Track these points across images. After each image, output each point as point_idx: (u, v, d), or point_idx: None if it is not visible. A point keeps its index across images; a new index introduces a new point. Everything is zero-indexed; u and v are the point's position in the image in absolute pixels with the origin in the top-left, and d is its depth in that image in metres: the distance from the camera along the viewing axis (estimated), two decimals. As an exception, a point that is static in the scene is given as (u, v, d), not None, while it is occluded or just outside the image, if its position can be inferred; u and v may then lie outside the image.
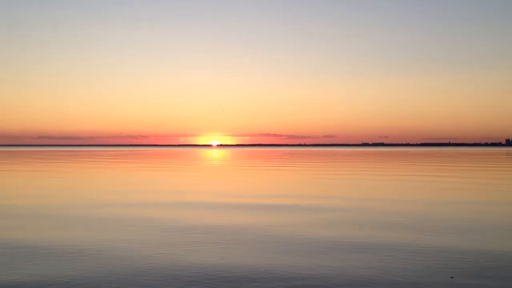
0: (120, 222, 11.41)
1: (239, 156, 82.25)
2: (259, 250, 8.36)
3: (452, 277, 6.75)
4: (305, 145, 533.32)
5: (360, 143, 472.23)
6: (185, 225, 10.90)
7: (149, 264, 7.49)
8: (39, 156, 79.31)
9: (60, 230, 10.42)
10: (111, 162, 53.87)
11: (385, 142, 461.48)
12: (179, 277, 6.78)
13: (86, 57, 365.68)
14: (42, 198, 16.58)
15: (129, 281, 6.58)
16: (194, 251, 8.36)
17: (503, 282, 6.56)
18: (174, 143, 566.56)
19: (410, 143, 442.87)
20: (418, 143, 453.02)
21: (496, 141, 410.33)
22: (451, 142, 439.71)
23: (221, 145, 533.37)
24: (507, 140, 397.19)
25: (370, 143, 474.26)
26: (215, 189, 20.17)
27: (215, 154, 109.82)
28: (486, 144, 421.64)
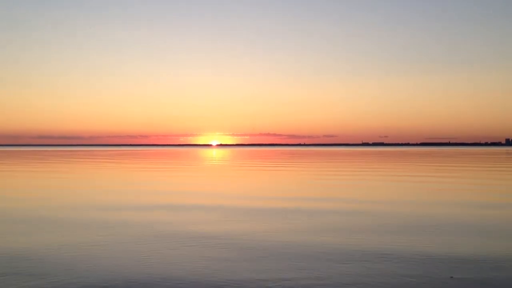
0: (95, 226, 10.80)
1: (238, 156, 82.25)
2: (245, 259, 7.78)
3: (451, 277, 6.74)
4: (305, 144, 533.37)
5: (360, 142, 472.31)
6: (172, 231, 10.21)
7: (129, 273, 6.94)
8: (36, 156, 79.28)
9: (23, 235, 9.83)
10: (107, 162, 53.80)
11: (385, 142, 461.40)
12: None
13: (86, 57, 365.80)
14: (22, 201, 15.93)
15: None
16: (176, 259, 7.77)
17: (503, 282, 6.55)
18: (174, 143, 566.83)
19: (410, 142, 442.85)
20: (418, 142, 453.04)
21: (496, 141, 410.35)
22: (451, 141, 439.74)
23: (221, 145, 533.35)
24: (507, 140, 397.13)
25: (370, 142, 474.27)
26: (210, 190, 19.55)
27: (215, 154, 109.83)
28: (486, 144, 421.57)
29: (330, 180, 24.79)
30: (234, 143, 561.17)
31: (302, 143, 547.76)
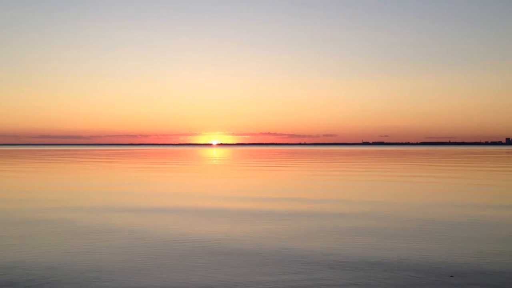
0: (72, 229, 10.30)
1: (237, 156, 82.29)
2: (230, 266, 7.23)
3: (452, 276, 6.70)
4: (305, 144, 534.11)
5: (361, 142, 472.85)
6: (154, 234, 9.64)
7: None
8: (31, 156, 79.31)
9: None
10: (103, 161, 53.78)
11: (386, 141, 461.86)
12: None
13: (86, 57, 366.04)
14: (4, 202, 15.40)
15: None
16: (155, 266, 7.27)
17: (503, 281, 6.51)
18: (174, 142, 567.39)
19: (411, 142, 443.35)
20: (419, 142, 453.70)
21: (496, 140, 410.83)
22: (451, 141, 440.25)
23: (221, 144, 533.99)
24: (507, 139, 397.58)
25: (371, 142, 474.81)
26: (201, 191, 18.71)
27: (215, 153, 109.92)
28: (486, 143, 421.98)
29: (326, 181, 24.56)
30: (234, 142, 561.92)
31: (303, 142, 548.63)
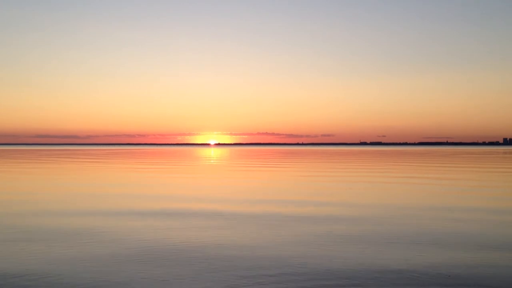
0: (46, 234, 9.73)
1: (234, 156, 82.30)
2: (223, 274, 6.81)
3: (449, 276, 6.70)
4: (303, 144, 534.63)
5: (358, 142, 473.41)
6: (137, 240, 9.12)
7: None
8: (27, 156, 79.17)
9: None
10: (98, 161, 53.63)
11: (383, 141, 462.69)
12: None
13: (86, 57, 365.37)
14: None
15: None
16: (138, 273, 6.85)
17: (503, 280, 6.51)
18: (172, 142, 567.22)
19: (408, 142, 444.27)
20: (416, 142, 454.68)
21: (494, 140, 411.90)
22: (448, 141, 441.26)
23: (219, 144, 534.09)
24: (505, 139, 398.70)
25: (368, 142, 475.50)
26: (198, 193, 18.04)
27: (213, 153, 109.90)
28: (483, 143, 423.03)
29: (322, 182, 24.40)
30: (232, 142, 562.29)
31: (300, 142, 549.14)
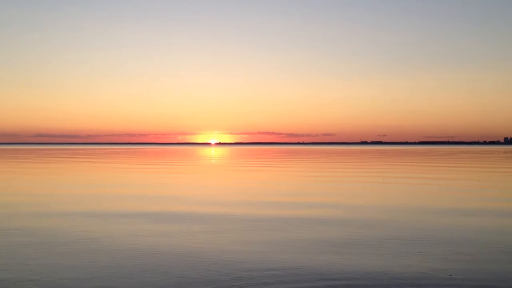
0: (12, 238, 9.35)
1: (235, 155, 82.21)
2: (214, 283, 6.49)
3: (450, 275, 6.73)
4: (304, 143, 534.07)
5: (359, 141, 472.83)
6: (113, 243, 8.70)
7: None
8: (24, 155, 79.14)
9: None
10: (93, 161, 53.61)
11: (384, 140, 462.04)
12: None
13: (86, 57, 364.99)
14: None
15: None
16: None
17: (502, 280, 6.56)
18: (173, 141, 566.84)
19: (409, 141, 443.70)
20: (417, 141, 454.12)
21: (495, 140, 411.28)
22: (449, 140, 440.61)
23: (219, 143, 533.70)
24: (505, 139, 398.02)
25: (369, 141, 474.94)
26: (197, 194, 17.40)
27: (213, 152, 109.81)
28: (484, 143, 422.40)
29: (318, 182, 24.16)
30: (233, 141, 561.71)
31: (301, 141, 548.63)
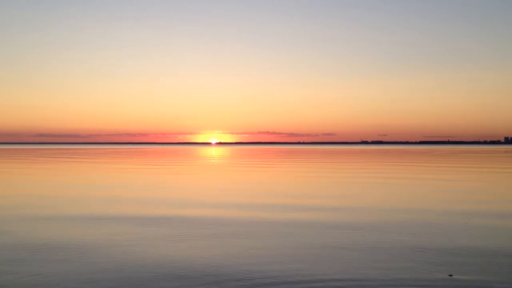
0: None
1: (235, 154, 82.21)
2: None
3: (450, 275, 6.73)
4: (304, 143, 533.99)
5: (359, 141, 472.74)
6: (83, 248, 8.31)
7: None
8: (28, 155, 79.16)
9: None
10: (89, 161, 53.62)
11: (384, 140, 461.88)
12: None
13: (86, 57, 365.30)
14: None
15: None
16: None
17: (502, 280, 6.57)
18: (173, 141, 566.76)
19: (409, 141, 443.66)
20: (417, 141, 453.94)
21: (495, 139, 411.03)
22: (450, 140, 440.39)
23: (220, 143, 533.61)
24: (506, 138, 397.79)
25: (369, 141, 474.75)
26: (193, 196, 16.69)
27: (214, 152, 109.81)
28: (485, 142, 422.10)
29: (320, 183, 24.28)
30: (234, 141, 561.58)
31: (302, 141, 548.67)
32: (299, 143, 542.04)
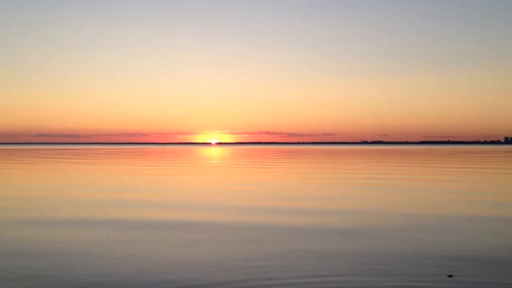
0: None
1: (236, 155, 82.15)
2: None
3: (450, 276, 6.78)
4: (304, 143, 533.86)
5: (360, 141, 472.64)
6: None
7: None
8: (28, 155, 79.10)
9: None
10: (100, 161, 53.62)
11: (384, 140, 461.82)
12: None
13: (86, 57, 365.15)
14: None
15: None
16: None
17: (502, 280, 6.61)
18: (173, 141, 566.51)
19: (409, 141, 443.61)
20: (417, 141, 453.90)
21: (495, 139, 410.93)
22: (450, 140, 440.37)
23: (220, 143, 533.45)
24: (506, 138, 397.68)
25: (369, 141, 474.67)
26: (192, 197, 16.51)
27: (214, 152, 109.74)
28: (485, 142, 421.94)
29: (315, 185, 24.31)
30: (234, 141, 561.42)
31: (302, 141, 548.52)
32: (299, 143, 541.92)
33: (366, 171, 32.48)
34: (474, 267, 7.26)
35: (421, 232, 10.01)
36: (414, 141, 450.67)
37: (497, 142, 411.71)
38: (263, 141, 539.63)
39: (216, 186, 21.41)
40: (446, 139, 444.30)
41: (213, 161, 51.75)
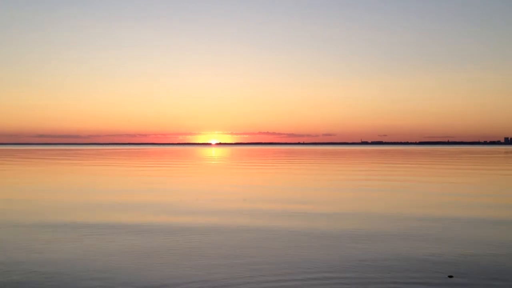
0: None
1: (236, 155, 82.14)
2: None
3: (451, 276, 6.79)
4: (304, 143, 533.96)
5: (360, 141, 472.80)
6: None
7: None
8: (27, 155, 79.09)
9: None
10: (100, 161, 53.61)
11: (384, 140, 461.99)
12: None
13: (86, 57, 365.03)
14: None
15: None
16: None
17: (503, 281, 6.62)
18: (173, 142, 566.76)
19: (409, 141, 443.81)
20: (417, 141, 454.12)
21: (495, 140, 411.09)
22: (450, 140, 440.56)
23: (220, 144, 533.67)
24: (506, 139, 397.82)
25: (369, 141, 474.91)
26: (191, 198, 16.21)
27: (214, 152, 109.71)
28: (485, 143, 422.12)
29: (315, 187, 23.73)
30: (233, 142, 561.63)
31: (302, 142, 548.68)
32: (299, 143, 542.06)
33: (366, 172, 32.48)
34: (474, 268, 7.27)
35: (421, 232, 10.02)
36: (414, 141, 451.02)
37: (497, 143, 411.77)
38: (263, 141, 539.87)
39: (216, 187, 21.41)
40: (446, 140, 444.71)
41: (214, 163, 51.72)
